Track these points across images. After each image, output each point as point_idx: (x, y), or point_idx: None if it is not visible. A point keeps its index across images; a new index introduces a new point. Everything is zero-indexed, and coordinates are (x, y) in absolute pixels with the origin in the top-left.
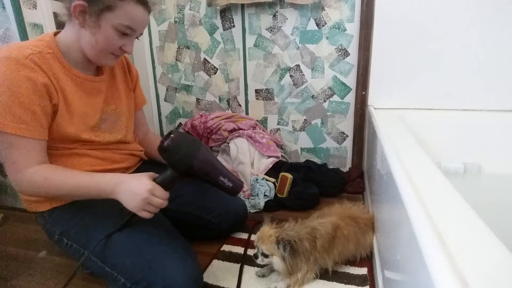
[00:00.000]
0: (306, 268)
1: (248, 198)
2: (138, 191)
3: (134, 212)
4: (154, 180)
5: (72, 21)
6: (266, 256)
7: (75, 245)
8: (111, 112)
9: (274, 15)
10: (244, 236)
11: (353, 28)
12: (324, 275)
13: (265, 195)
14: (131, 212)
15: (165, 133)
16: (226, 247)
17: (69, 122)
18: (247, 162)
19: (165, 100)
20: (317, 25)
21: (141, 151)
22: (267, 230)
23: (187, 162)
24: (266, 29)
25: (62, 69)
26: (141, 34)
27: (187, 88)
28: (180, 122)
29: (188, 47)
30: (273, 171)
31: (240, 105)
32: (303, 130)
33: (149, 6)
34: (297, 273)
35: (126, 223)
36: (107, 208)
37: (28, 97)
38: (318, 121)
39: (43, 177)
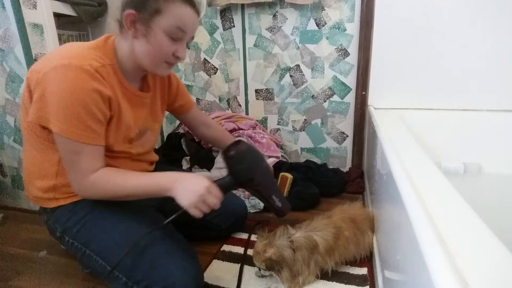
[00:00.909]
0: (307, 272)
1: (248, 198)
2: (196, 187)
3: (186, 209)
4: (213, 181)
5: (124, 33)
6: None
7: (76, 243)
8: (148, 127)
9: (274, 15)
10: (244, 236)
11: (353, 28)
12: (324, 275)
13: None
14: (182, 208)
15: (166, 134)
16: (226, 247)
17: (113, 133)
18: None
19: None
20: (317, 25)
21: (156, 160)
22: (260, 246)
23: (248, 175)
24: (266, 29)
25: (118, 82)
26: (192, 38)
27: (187, 88)
28: (180, 122)
29: (188, 47)
30: (273, 171)
31: (240, 105)
32: (303, 130)
33: (196, 6)
34: (298, 276)
35: (173, 219)
36: (109, 209)
37: (97, 108)
38: (318, 121)
39: (106, 180)
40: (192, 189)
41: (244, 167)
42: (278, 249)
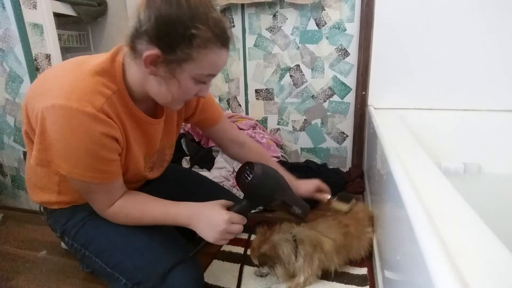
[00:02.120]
0: (309, 270)
1: None
2: (216, 222)
3: (209, 240)
4: (229, 208)
5: (138, 61)
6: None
7: (76, 244)
8: (161, 149)
9: (274, 15)
10: (244, 236)
11: (353, 28)
12: (324, 275)
13: None
14: (204, 240)
15: None
16: (226, 247)
17: (124, 165)
18: None
19: None
20: (317, 25)
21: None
22: (256, 242)
23: (267, 200)
24: (266, 29)
25: (126, 110)
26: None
27: None
28: None
29: None
30: None
31: (240, 105)
32: (303, 130)
33: (229, 45)
34: (299, 276)
35: (198, 251)
36: None
37: (106, 150)
38: (318, 121)
39: (124, 215)
40: (213, 224)
41: (263, 193)
42: (273, 245)
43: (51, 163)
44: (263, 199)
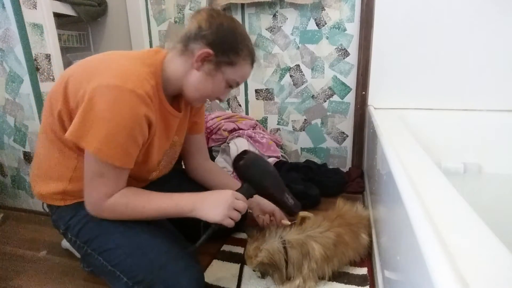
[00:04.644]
0: (300, 278)
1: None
2: (221, 198)
3: (219, 222)
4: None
5: (185, 57)
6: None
7: (79, 241)
8: (172, 145)
9: (274, 15)
10: (244, 236)
11: (353, 28)
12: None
13: None
14: (212, 225)
15: None
16: (226, 247)
17: (141, 154)
18: None
19: None
20: (317, 25)
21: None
22: (250, 250)
23: (261, 178)
24: (266, 29)
25: (158, 103)
26: None
27: None
28: None
29: None
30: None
31: (240, 105)
32: (303, 130)
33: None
34: (296, 280)
35: (205, 240)
36: None
37: (140, 133)
38: (318, 121)
39: (124, 205)
40: (218, 202)
41: (256, 175)
42: (268, 252)
43: (82, 139)
44: (257, 178)
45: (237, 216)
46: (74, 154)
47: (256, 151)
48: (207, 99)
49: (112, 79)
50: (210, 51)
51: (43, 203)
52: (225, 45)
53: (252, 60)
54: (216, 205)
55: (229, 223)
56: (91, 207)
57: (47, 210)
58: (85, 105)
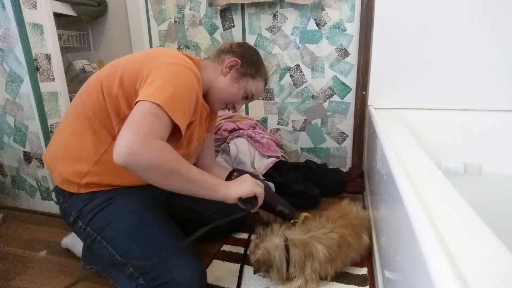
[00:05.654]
0: (302, 279)
1: None
2: (242, 178)
3: (251, 192)
4: None
5: (216, 64)
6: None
7: (89, 228)
8: (200, 141)
9: (274, 15)
10: (244, 236)
11: (353, 28)
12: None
13: None
14: (245, 205)
15: None
16: (226, 247)
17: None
18: (247, 162)
19: None
20: (317, 25)
21: None
22: (252, 247)
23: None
24: (266, 29)
25: (200, 97)
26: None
27: None
28: None
29: (188, 47)
30: (274, 171)
31: None
32: (303, 130)
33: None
34: (297, 280)
35: (242, 210)
36: (125, 200)
37: (193, 103)
38: (318, 121)
39: (168, 152)
40: (241, 180)
41: None
42: (265, 251)
43: (150, 96)
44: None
45: (261, 191)
46: (109, 139)
47: (256, 151)
48: (225, 105)
49: (173, 59)
50: (238, 60)
51: (53, 191)
52: (250, 61)
53: (266, 80)
54: (241, 182)
55: (260, 191)
56: (135, 138)
57: (56, 199)
58: (152, 75)
